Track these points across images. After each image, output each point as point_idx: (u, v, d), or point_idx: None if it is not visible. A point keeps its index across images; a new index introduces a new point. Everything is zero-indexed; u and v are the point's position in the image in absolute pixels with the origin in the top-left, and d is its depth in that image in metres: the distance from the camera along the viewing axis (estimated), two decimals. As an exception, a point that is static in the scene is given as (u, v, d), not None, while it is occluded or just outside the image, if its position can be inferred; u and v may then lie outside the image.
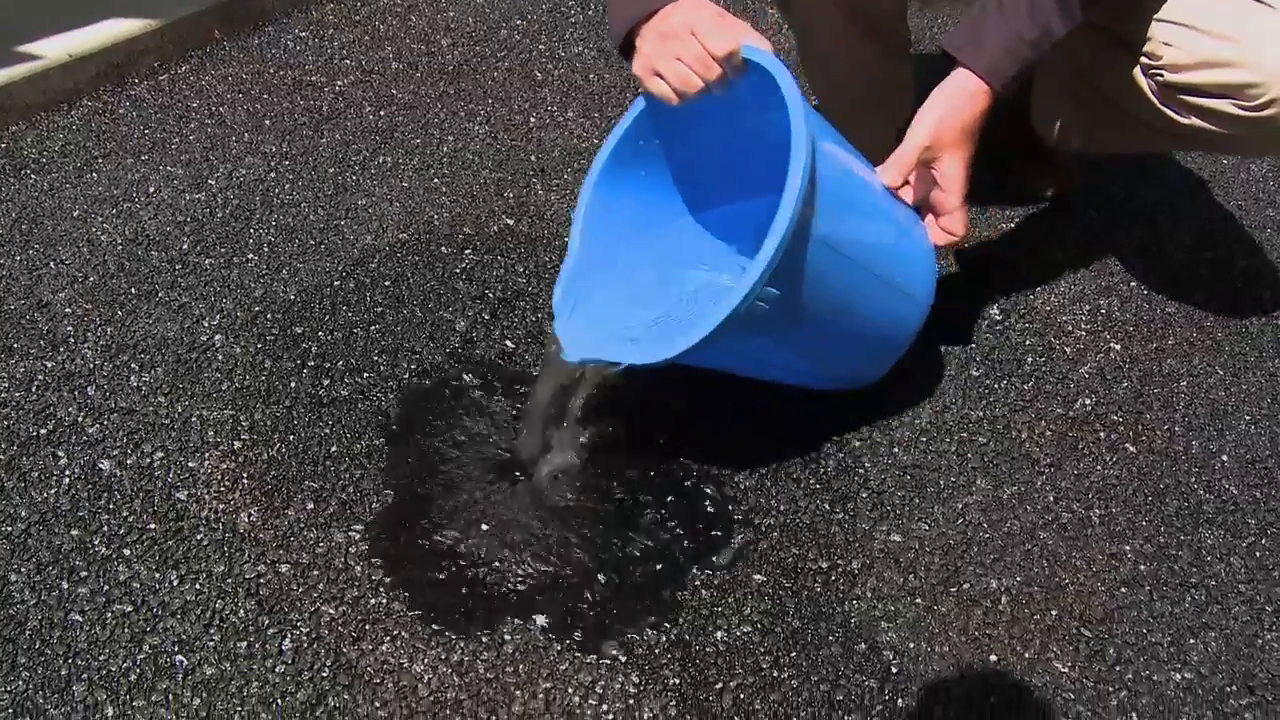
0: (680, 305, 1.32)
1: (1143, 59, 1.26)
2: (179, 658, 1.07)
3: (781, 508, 1.24)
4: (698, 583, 1.16)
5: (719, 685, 1.07)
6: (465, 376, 1.37)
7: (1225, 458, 1.33)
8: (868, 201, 1.18)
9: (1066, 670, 1.10)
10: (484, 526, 1.20)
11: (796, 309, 1.10)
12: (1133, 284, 1.58)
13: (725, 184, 1.34)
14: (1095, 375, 1.43)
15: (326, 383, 1.35)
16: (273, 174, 1.71)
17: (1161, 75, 1.24)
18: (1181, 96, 1.24)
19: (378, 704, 1.04)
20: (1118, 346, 1.47)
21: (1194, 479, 1.30)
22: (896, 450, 1.31)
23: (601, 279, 1.27)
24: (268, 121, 1.85)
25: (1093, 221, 1.70)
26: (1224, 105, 1.21)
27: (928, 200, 1.24)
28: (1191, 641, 1.13)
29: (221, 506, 1.20)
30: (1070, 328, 1.49)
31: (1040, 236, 1.66)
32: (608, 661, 1.08)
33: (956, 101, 1.18)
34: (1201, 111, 1.23)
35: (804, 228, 1.04)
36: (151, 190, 1.67)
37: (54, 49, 1.85)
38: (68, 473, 1.23)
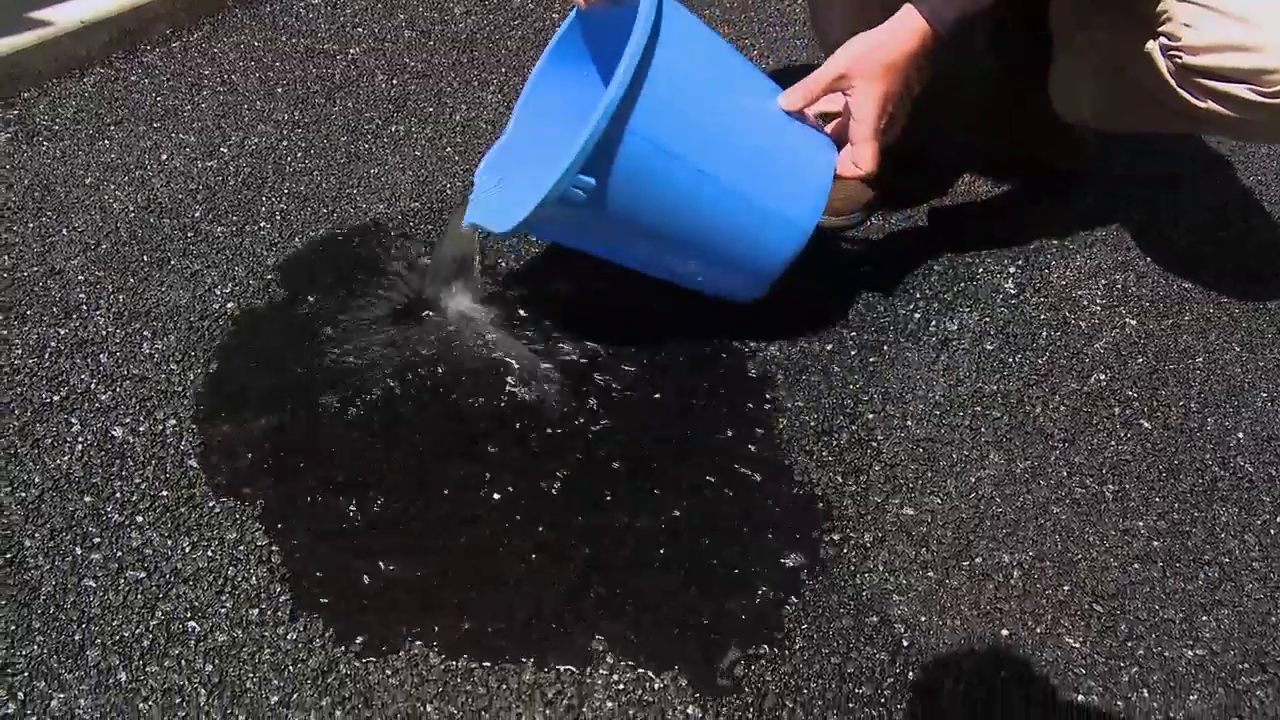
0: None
1: (1161, 40, 1.24)
2: (191, 624, 1.07)
3: (794, 479, 1.23)
4: (710, 553, 1.15)
5: (733, 656, 1.07)
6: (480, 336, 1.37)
7: (1241, 434, 1.32)
8: (734, 113, 1.20)
9: (1078, 645, 1.10)
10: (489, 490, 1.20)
11: (622, 202, 1.16)
12: (1149, 259, 1.57)
13: None
14: (1110, 350, 1.42)
15: (336, 352, 1.34)
16: (285, 142, 1.71)
17: (1180, 57, 1.22)
18: (1198, 79, 1.22)
19: (389, 671, 1.04)
20: (1133, 322, 1.46)
21: (1209, 455, 1.29)
22: (910, 423, 1.30)
23: (521, 161, 1.33)
24: (280, 89, 1.84)
25: (1109, 196, 1.69)
26: (1240, 90, 1.19)
27: (839, 128, 1.25)
28: (1204, 618, 1.13)
29: (234, 474, 1.21)
30: (1085, 302, 1.48)
31: (1056, 211, 1.65)
32: (620, 626, 1.08)
33: (887, 34, 1.17)
34: (1218, 95, 1.22)
35: (625, 124, 1.09)
36: (164, 158, 1.66)
37: (66, 15, 1.85)
38: (80, 439, 1.24)
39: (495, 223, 1.21)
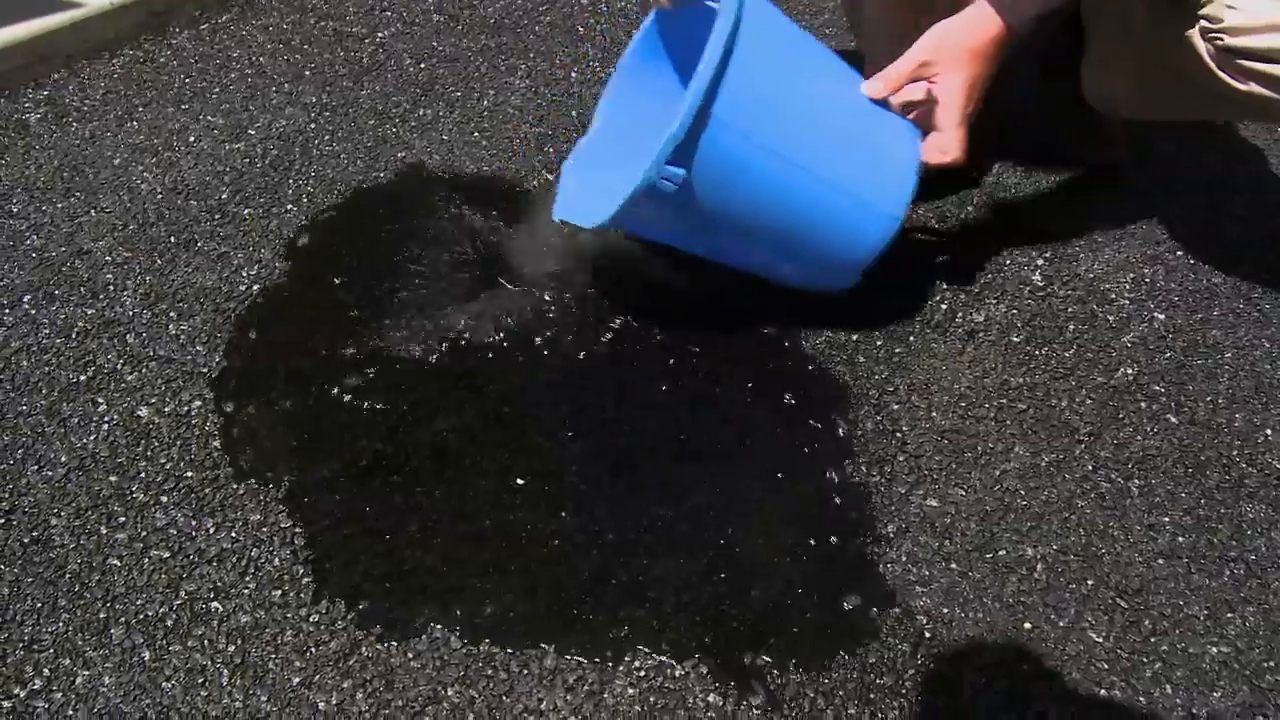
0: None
1: (1202, 22, 1.22)
2: (215, 604, 1.08)
3: (818, 469, 1.23)
4: (733, 541, 1.15)
5: (755, 644, 1.07)
6: (500, 335, 1.37)
7: (1269, 431, 1.30)
8: (820, 101, 1.20)
9: (1101, 640, 1.09)
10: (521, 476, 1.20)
11: (711, 194, 1.15)
12: (1179, 253, 1.55)
13: None
14: (1138, 345, 1.40)
15: (362, 334, 1.35)
16: (312, 125, 1.71)
17: (1221, 40, 1.21)
18: (1241, 62, 1.20)
19: (410, 655, 1.05)
20: (1162, 316, 1.45)
21: (1236, 452, 1.28)
22: (935, 415, 1.30)
23: (606, 157, 1.34)
24: (308, 72, 1.84)
25: (1140, 189, 1.67)
26: None
27: (932, 117, 1.23)
28: (1229, 615, 1.12)
29: (258, 455, 1.21)
30: (1114, 296, 1.47)
31: (1086, 203, 1.63)
32: (642, 613, 1.08)
33: (966, 22, 1.16)
34: (1262, 78, 1.20)
35: (712, 114, 1.09)
36: (191, 139, 1.67)
37: (96, -4, 1.86)
38: (107, 419, 1.24)
39: (583, 218, 1.21)
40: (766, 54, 1.14)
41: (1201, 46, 1.24)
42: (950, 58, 1.17)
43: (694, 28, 1.23)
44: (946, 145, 1.21)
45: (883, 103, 1.22)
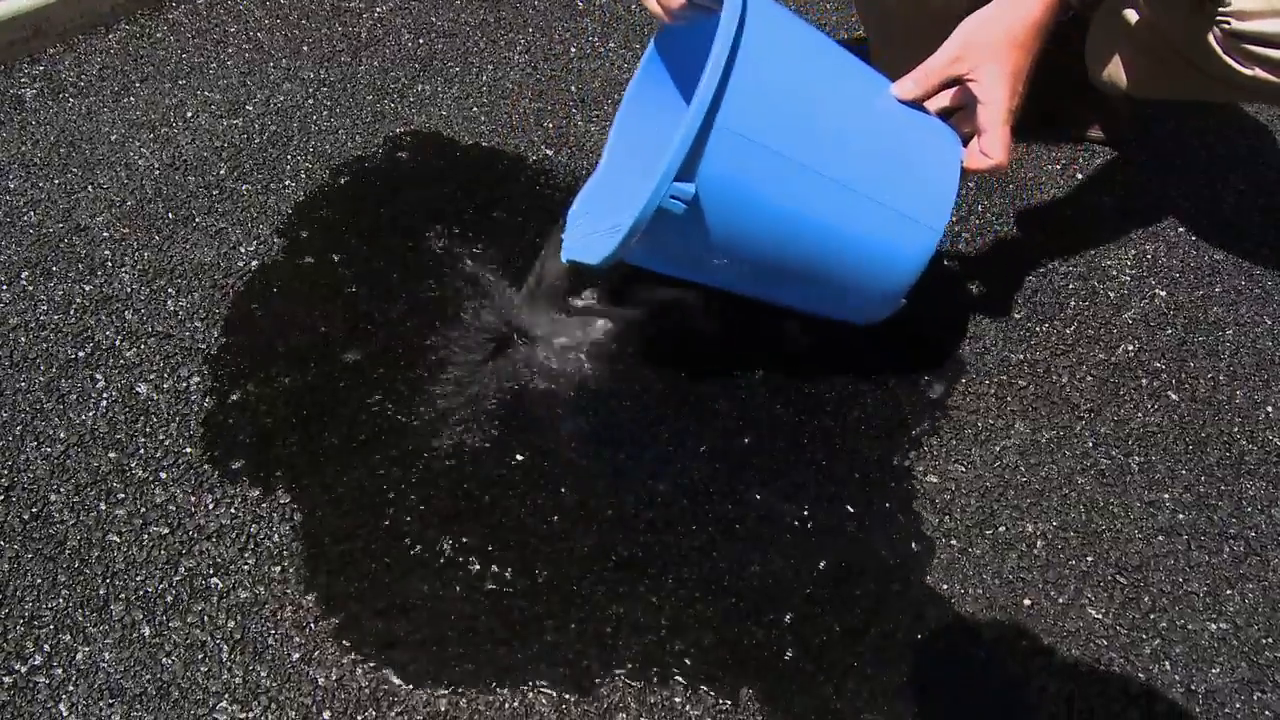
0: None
1: (1209, 4, 1.22)
2: (214, 580, 1.08)
3: (817, 444, 1.23)
4: (733, 517, 1.15)
5: (755, 619, 1.07)
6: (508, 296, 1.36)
7: (1270, 408, 1.30)
8: (844, 105, 1.09)
9: (1100, 616, 1.09)
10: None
11: (727, 212, 1.04)
12: (1180, 229, 1.55)
13: None
14: (1139, 321, 1.40)
15: (360, 311, 1.34)
16: (310, 100, 1.70)
17: (1228, 23, 1.20)
18: (1247, 46, 1.20)
19: (409, 629, 1.05)
20: (1163, 293, 1.44)
21: (1237, 429, 1.28)
22: (935, 391, 1.29)
23: (613, 191, 1.29)
24: (305, 47, 1.83)
25: (1141, 165, 1.67)
26: None
27: (972, 117, 1.12)
28: (1228, 592, 1.12)
29: (258, 432, 1.21)
30: (1115, 272, 1.47)
31: (1087, 179, 1.63)
32: (642, 589, 1.08)
33: (1003, 9, 1.06)
34: (1268, 63, 1.19)
35: (722, 122, 0.98)
36: (189, 115, 1.66)
37: (92, -30, 1.84)
38: (105, 395, 1.24)
39: (590, 255, 1.12)
40: (779, 53, 1.03)
41: (1208, 30, 1.23)
42: (989, 50, 1.06)
43: (698, 42, 1.11)
44: (990, 147, 1.08)
45: (915, 104, 1.11)
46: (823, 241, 1.09)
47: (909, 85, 1.10)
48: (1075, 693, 1.03)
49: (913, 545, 1.14)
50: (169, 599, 1.06)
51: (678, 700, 1.01)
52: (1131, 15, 1.37)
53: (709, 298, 1.37)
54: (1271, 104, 1.58)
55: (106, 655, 1.02)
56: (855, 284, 1.15)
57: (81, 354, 1.28)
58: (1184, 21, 1.26)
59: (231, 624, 1.05)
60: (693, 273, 1.20)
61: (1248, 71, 1.22)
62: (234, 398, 1.24)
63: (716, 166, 1.00)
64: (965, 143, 1.13)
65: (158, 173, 1.54)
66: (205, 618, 1.05)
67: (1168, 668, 1.05)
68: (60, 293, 1.35)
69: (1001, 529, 1.16)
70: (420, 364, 1.29)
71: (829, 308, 1.24)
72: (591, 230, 1.24)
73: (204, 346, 1.30)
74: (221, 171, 1.55)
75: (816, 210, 1.07)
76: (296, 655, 1.03)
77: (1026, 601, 1.10)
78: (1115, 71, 1.46)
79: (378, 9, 1.94)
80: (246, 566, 1.09)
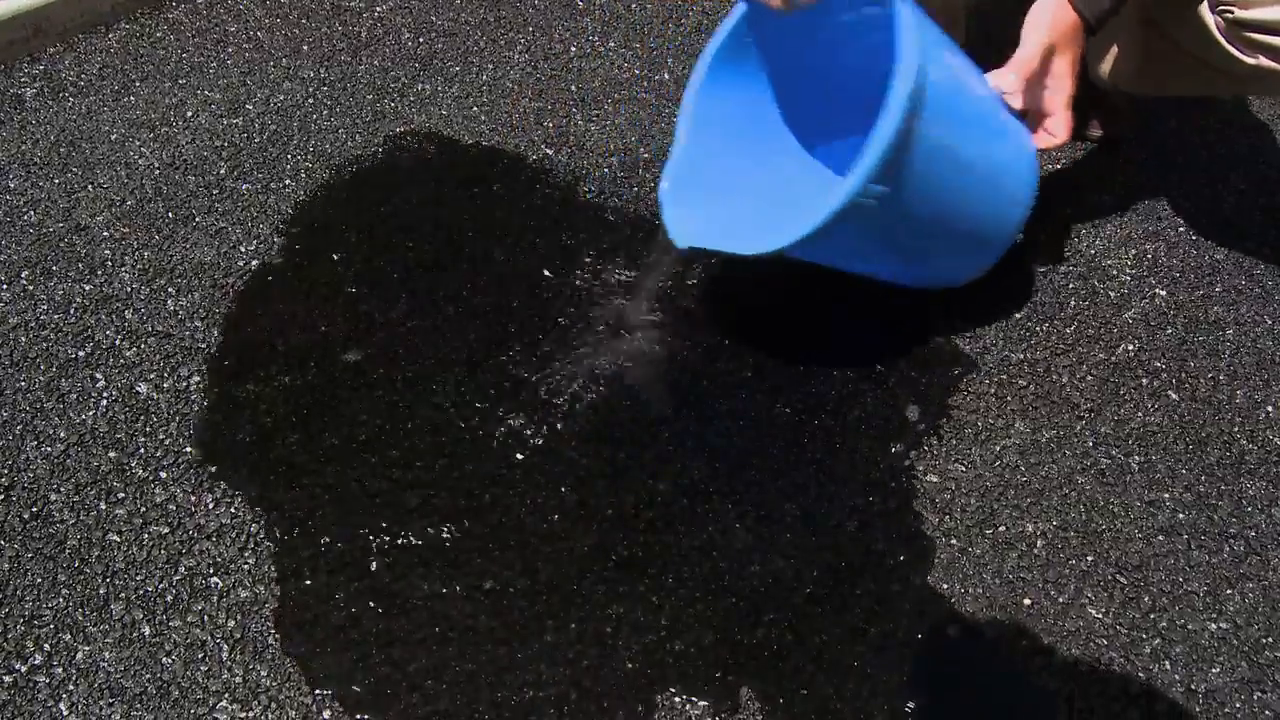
0: (782, 201, 1.32)
1: None
2: (214, 579, 1.08)
3: (817, 443, 1.23)
4: (734, 516, 1.15)
5: (755, 619, 1.07)
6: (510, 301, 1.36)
7: (1270, 408, 1.30)
8: (976, 105, 1.17)
9: (1100, 616, 1.09)
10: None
11: (904, 207, 1.11)
12: (1181, 229, 1.55)
13: (825, 96, 1.34)
14: (1139, 321, 1.40)
15: (360, 310, 1.34)
16: (310, 100, 1.70)
17: (1231, 12, 1.20)
18: (1249, 34, 1.20)
19: (411, 628, 1.05)
20: (1163, 292, 1.44)
21: (1237, 429, 1.28)
22: (935, 391, 1.29)
23: (706, 170, 1.26)
24: (305, 46, 1.83)
25: (1142, 164, 1.66)
26: None
27: (1035, 101, 1.22)
28: (1229, 592, 1.12)
29: (258, 432, 1.21)
30: (1115, 272, 1.47)
31: (1088, 178, 1.63)
32: (642, 588, 1.08)
33: (1056, 4, 1.16)
34: (1270, 50, 1.19)
35: (911, 126, 1.04)
36: (189, 114, 1.66)
37: (92, -31, 1.84)
38: (105, 395, 1.24)
39: (738, 244, 1.13)
40: (936, 56, 1.10)
41: (1210, 19, 1.23)
42: (1062, 41, 1.17)
43: (789, 28, 1.21)
44: (1056, 127, 1.21)
45: (1000, 95, 1.20)
46: (962, 220, 1.21)
47: (1010, 77, 1.19)
48: (1075, 692, 1.03)
49: (913, 545, 1.14)
50: (169, 598, 1.06)
51: (678, 700, 1.01)
52: (1134, 10, 1.37)
53: (710, 297, 1.37)
54: (1274, 95, 1.57)
55: (106, 654, 1.02)
56: (976, 253, 1.30)
57: (81, 353, 1.28)
58: (1185, 13, 1.26)
59: (232, 623, 1.05)
60: (838, 256, 1.25)
61: (1250, 60, 1.22)
62: (234, 397, 1.24)
63: (905, 164, 1.06)
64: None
65: (158, 172, 1.54)
66: (205, 617, 1.05)
67: (1168, 667, 1.06)
68: (60, 292, 1.35)
69: (1002, 528, 1.16)
70: (420, 364, 1.29)
71: (939, 278, 1.37)
72: (703, 214, 1.22)
73: (204, 346, 1.30)
74: (221, 171, 1.55)
75: (965, 195, 1.18)
76: (297, 654, 1.03)
77: (1026, 601, 1.10)
78: (1115, 67, 1.46)
79: (378, 8, 1.94)
80: (247, 566, 1.09)
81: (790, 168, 1.37)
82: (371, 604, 1.07)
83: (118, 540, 1.11)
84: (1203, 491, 1.21)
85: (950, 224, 1.20)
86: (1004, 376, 1.32)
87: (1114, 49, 1.45)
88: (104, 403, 1.23)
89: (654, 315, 1.35)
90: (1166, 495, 1.20)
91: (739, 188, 1.29)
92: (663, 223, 1.19)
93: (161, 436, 1.20)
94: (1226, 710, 1.03)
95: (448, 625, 1.05)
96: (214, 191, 1.52)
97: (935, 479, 1.20)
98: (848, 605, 1.08)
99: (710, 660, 1.04)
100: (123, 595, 1.06)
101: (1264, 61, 1.21)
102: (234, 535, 1.11)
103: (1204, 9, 1.24)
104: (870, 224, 1.11)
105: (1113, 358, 1.35)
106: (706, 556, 1.12)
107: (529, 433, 1.22)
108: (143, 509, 1.13)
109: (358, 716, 0.99)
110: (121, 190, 1.51)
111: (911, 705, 1.02)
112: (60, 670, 1.01)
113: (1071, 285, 1.44)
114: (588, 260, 1.42)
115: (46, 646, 1.02)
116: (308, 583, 1.08)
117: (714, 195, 1.25)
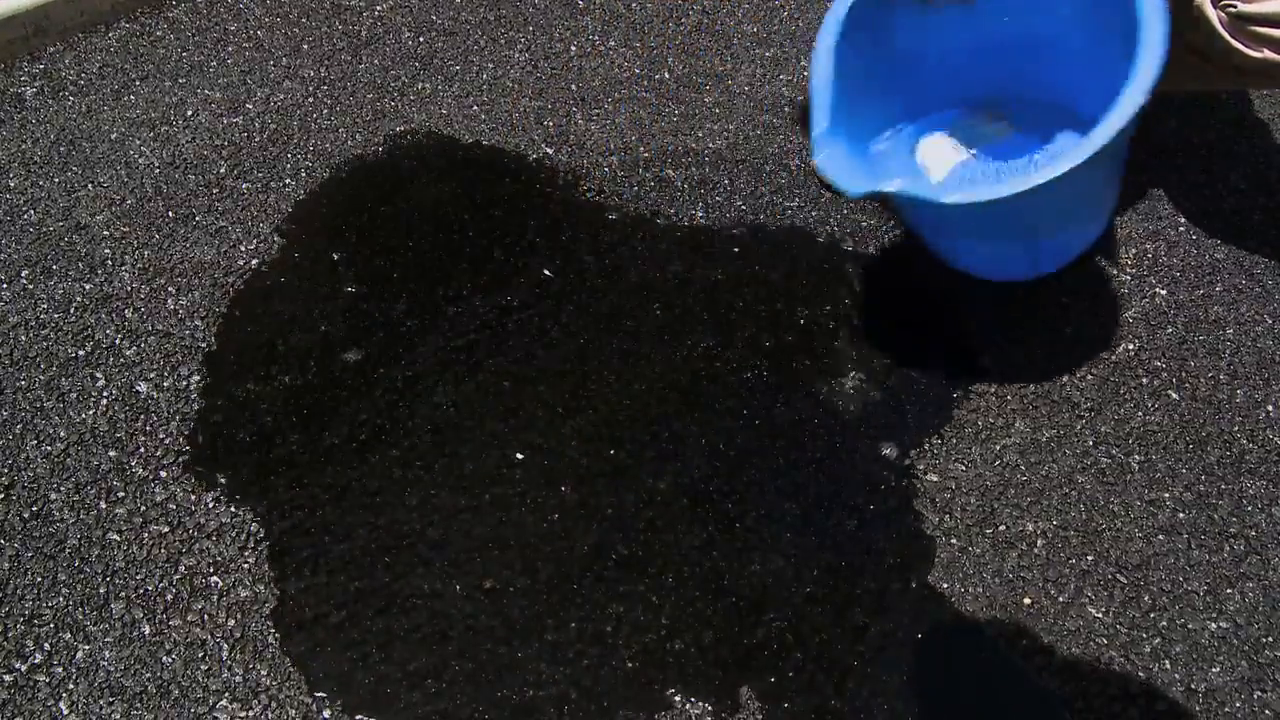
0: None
1: None
2: (214, 579, 1.08)
3: (817, 443, 1.23)
4: (734, 515, 1.15)
5: (755, 618, 1.07)
6: (509, 299, 1.36)
7: (1271, 407, 1.30)
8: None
9: (1100, 615, 1.09)
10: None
11: (1078, 187, 1.19)
12: (1181, 228, 1.55)
13: (949, 68, 1.44)
14: (1139, 320, 1.40)
15: (360, 309, 1.34)
16: (310, 99, 1.70)
17: (1235, 6, 1.20)
18: (1254, 28, 1.20)
19: (410, 626, 1.05)
20: (1163, 292, 1.44)
21: (1237, 428, 1.28)
22: (936, 391, 1.29)
23: (845, 124, 1.31)
24: (305, 46, 1.83)
25: (1143, 163, 1.66)
26: None
27: None
28: (1229, 591, 1.12)
29: (258, 431, 1.21)
30: (1115, 271, 1.46)
31: (1087, 178, 1.63)
32: (642, 588, 1.08)
33: None
34: (1275, 43, 1.20)
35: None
36: (189, 113, 1.66)
37: (92, -32, 1.84)
38: (105, 394, 1.24)
39: (930, 190, 1.20)
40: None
41: (1213, 14, 1.23)
42: None
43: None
44: None
45: None
46: (1102, 204, 1.39)
47: None
48: (1076, 691, 1.03)
49: (913, 544, 1.14)
50: (169, 597, 1.06)
51: (678, 700, 1.01)
52: None
53: (710, 296, 1.37)
54: (1274, 87, 1.57)
55: (107, 654, 1.02)
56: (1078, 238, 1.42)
57: (82, 352, 1.28)
58: (1189, 8, 1.26)
59: (232, 622, 1.05)
60: (1006, 227, 1.33)
61: (1255, 54, 1.22)
62: (234, 397, 1.24)
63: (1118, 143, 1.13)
64: None
65: (158, 171, 1.54)
66: (206, 616, 1.05)
67: (1168, 666, 1.05)
68: (60, 291, 1.35)
69: (1002, 527, 1.16)
70: (420, 363, 1.29)
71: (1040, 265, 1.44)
72: (849, 162, 1.27)
73: (204, 345, 1.30)
74: (222, 170, 1.55)
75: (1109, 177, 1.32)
76: (297, 654, 1.03)
77: (1027, 600, 1.10)
78: (1116, 68, 1.46)
79: (378, 7, 1.94)
80: (247, 565, 1.09)
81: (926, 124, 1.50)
82: (371, 604, 1.06)
83: (118, 539, 1.11)
84: (1203, 491, 1.21)
85: (1108, 195, 1.38)
86: (1004, 376, 1.31)
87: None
88: (104, 402, 1.23)
89: (653, 314, 1.35)
90: (1166, 495, 1.20)
91: (875, 137, 1.42)
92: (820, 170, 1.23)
93: (161, 436, 1.20)
94: (1226, 710, 1.03)
95: (448, 625, 1.05)
96: (214, 190, 1.52)
97: (935, 478, 1.20)
98: (848, 606, 1.08)
99: (710, 660, 1.04)
100: (123, 594, 1.06)
101: (1269, 55, 1.21)
102: (234, 535, 1.11)
103: (1207, 6, 1.24)
104: (1072, 189, 1.16)
105: (1113, 357, 1.35)
106: (706, 557, 1.12)
107: (529, 432, 1.22)
108: (143, 508, 1.13)
109: (358, 716, 0.99)
110: (121, 189, 1.51)
111: (912, 706, 1.01)
112: (60, 669, 1.01)
113: (1071, 285, 1.44)
114: (588, 259, 1.42)
115: (47, 645, 1.02)
116: (308, 583, 1.08)
117: (855, 144, 1.33)
